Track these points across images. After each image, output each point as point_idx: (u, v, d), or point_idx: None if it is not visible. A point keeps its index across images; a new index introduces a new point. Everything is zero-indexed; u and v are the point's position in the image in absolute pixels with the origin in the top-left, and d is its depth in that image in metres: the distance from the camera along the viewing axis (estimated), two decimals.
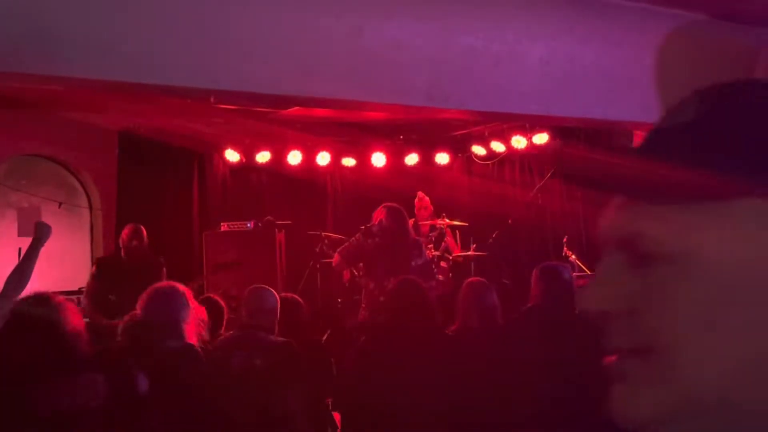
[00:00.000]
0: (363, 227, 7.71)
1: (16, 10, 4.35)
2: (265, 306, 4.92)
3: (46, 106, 8.40)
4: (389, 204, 7.95)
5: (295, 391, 4.56)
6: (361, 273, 7.85)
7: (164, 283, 4.67)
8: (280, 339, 4.78)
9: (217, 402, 4.17)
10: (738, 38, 6.64)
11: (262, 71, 5.09)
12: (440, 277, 8.49)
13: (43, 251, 5.83)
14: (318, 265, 9.35)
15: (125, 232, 7.64)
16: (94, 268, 7.90)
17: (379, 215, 7.62)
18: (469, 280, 5.57)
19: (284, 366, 4.51)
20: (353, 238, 7.67)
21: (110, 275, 7.45)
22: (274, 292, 5.13)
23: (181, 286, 4.49)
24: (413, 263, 7.36)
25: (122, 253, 7.61)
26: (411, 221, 9.08)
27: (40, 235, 5.58)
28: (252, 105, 7.35)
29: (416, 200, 9.18)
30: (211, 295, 6.11)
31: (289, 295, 5.83)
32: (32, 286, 5.48)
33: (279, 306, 5.02)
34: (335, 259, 7.76)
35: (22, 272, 5.24)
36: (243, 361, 4.55)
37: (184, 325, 4.29)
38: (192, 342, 4.30)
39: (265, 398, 4.44)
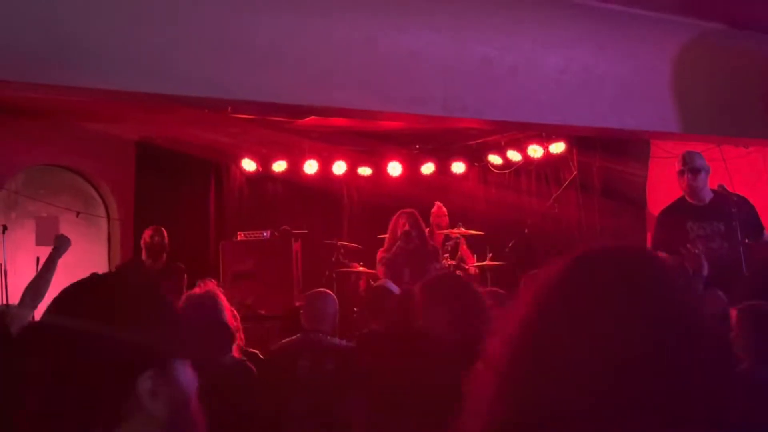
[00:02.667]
0: (403, 233, 7.93)
1: (35, 21, 4.38)
2: (327, 310, 4.98)
3: (64, 116, 8.46)
4: (407, 210, 8.10)
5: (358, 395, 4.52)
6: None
7: (201, 289, 4.58)
8: (345, 343, 4.82)
9: (283, 409, 4.14)
10: (756, 47, 6.61)
11: (278, 81, 5.11)
12: None
13: (61, 261, 5.87)
14: (334, 275, 9.34)
15: (147, 231, 7.72)
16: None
17: (400, 221, 7.84)
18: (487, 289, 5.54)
19: (349, 370, 4.51)
20: (397, 246, 7.88)
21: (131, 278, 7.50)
22: (334, 296, 5.18)
23: (219, 293, 4.46)
24: (431, 268, 7.53)
25: (144, 255, 7.65)
26: (426, 230, 9.10)
27: (58, 245, 5.62)
28: (268, 114, 7.38)
29: (434, 210, 9.19)
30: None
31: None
32: (50, 296, 5.53)
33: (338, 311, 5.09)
34: (380, 271, 7.92)
35: (39, 283, 5.28)
36: (311, 365, 4.57)
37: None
38: (236, 355, 4.29)
39: (330, 402, 4.41)
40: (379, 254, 8.25)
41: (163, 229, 7.68)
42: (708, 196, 6.15)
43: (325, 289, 5.23)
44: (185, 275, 7.57)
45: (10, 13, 4.30)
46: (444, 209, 9.21)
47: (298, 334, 4.98)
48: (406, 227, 7.97)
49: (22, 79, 4.53)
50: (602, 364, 1.23)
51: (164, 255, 7.66)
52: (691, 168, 6.11)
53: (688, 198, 6.23)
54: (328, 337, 4.84)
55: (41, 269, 5.56)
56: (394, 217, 8.25)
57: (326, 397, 4.43)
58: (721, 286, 5.65)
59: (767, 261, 5.86)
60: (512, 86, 5.80)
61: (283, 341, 5.04)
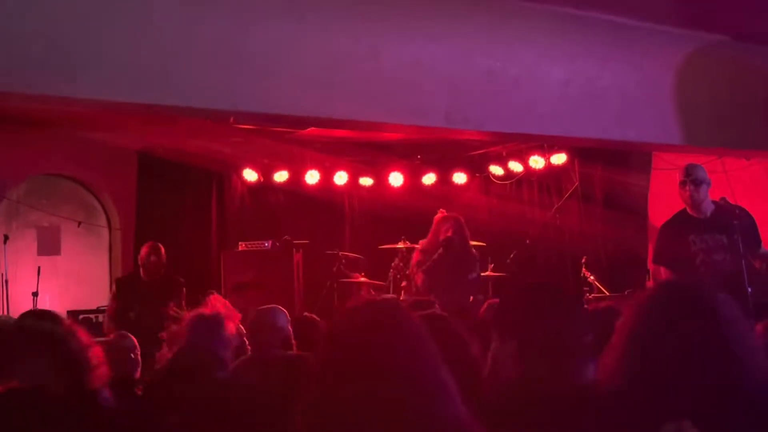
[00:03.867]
0: (445, 239, 7.78)
1: (37, 33, 4.38)
2: (276, 324, 4.92)
3: (66, 126, 8.46)
4: (453, 214, 8.02)
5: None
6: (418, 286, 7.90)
7: (210, 311, 4.59)
8: (294, 353, 4.76)
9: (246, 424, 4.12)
10: (758, 59, 6.62)
11: (281, 93, 5.10)
12: None
13: (64, 269, 5.86)
14: (335, 285, 9.33)
15: (143, 249, 7.69)
16: (113, 288, 7.94)
17: (443, 226, 7.73)
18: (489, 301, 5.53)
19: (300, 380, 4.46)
20: (438, 254, 7.73)
21: (129, 294, 7.49)
22: (283, 309, 5.11)
23: (222, 311, 4.47)
24: (470, 276, 7.50)
25: (141, 272, 7.65)
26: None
27: None
28: (270, 125, 7.38)
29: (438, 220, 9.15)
30: None
31: (307, 314, 5.82)
32: (52, 304, 5.57)
33: (290, 324, 5.01)
34: (419, 278, 7.82)
35: None
36: (261, 380, 4.53)
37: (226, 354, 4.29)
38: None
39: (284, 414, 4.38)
40: (416, 256, 8.19)
41: (161, 245, 7.64)
42: (709, 209, 6.14)
43: (274, 305, 5.15)
44: (184, 288, 7.56)
45: (12, 25, 4.30)
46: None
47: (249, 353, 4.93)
48: (449, 233, 7.80)
49: (25, 91, 4.53)
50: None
51: (162, 271, 7.63)
52: (693, 180, 6.09)
53: (689, 210, 6.21)
54: (277, 350, 4.78)
55: None
56: (438, 220, 8.12)
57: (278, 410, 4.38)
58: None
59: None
60: (515, 98, 5.80)
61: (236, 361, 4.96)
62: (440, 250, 7.72)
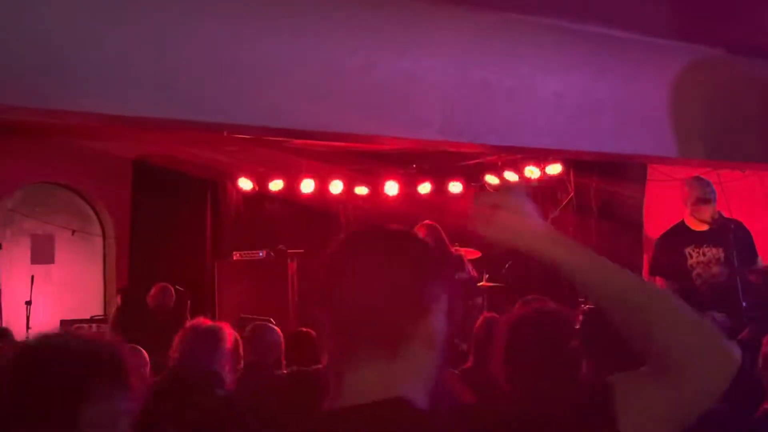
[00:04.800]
0: None
1: (32, 45, 4.37)
2: (267, 340, 4.89)
3: (61, 135, 8.44)
4: (427, 222, 8.02)
5: None
6: None
7: (206, 323, 4.49)
8: (285, 372, 4.73)
9: None
10: (753, 72, 6.62)
11: (275, 105, 5.09)
12: None
13: (58, 278, 5.85)
14: None
15: (154, 291, 7.58)
16: (119, 299, 7.89)
17: (419, 233, 7.71)
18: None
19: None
20: None
21: (136, 308, 7.45)
22: (276, 328, 5.08)
23: (222, 326, 4.39)
24: (456, 277, 7.48)
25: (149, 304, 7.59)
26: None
27: None
28: (264, 137, 7.37)
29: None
30: None
31: (304, 329, 5.80)
32: (45, 313, 5.54)
33: (283, 341, 4.98)
34: None
35: None
36: (261, 398, 4.48)
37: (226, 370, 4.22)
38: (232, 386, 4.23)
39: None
40: None
41: (171, 288, 7.60)
42: (708, 223, 6.15)
43: (266, 323, 5.11)
44: (188, 300, 7.56)
45: (8, 39, 4.29)
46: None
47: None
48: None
49: (21, 104, 4.51)
50: None
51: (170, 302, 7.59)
52: (714, 198, 6.11)
53: (688, 223, 6.21)
54: (269, 368, 4.74)
55: None
56: (415, 229, 8.13)
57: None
58: (718, 312, 5.65)
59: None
60: (510, 111, 5.78)
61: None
62: None
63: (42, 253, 9.53)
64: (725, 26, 6.13)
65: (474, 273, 8.80)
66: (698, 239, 6.11)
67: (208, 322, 4.46)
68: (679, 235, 6.25)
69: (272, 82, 5.05)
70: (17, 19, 4.33)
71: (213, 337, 4.25)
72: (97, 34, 4.55)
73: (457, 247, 8.86)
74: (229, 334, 4.39)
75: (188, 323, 4.48)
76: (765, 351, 3.95)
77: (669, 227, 6.45)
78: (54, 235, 9.64)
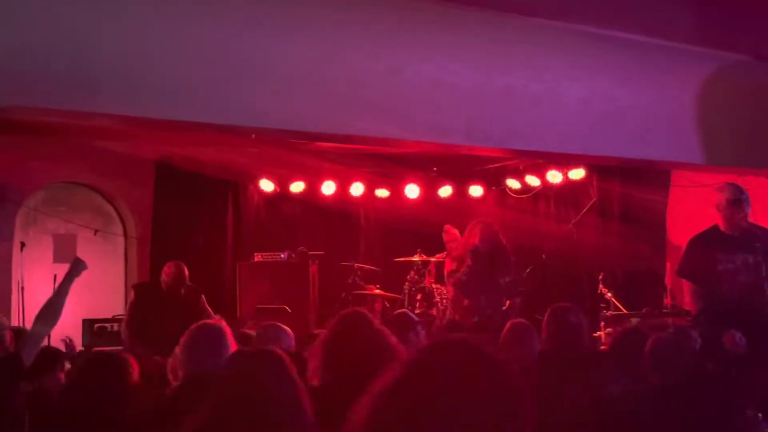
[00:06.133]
0: (471, 250, 7.57)
1: (58, 49, 4.41)
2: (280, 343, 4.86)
3: (84, 135, 8.48)
4: (482, 219, 7.91)
5: None
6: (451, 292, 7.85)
7: (211, 322, 4.46)
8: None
9: None
10: None
11: (302, 110, 5.11)
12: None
13: (78, 279, 5.88)
14: (350, 297, 9.33)
15: (167, 269, 7.48)
16: (132, 294, 7.86)
17: (472, 231, 7.64)
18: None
19: None
20: (467, 266, 7.55)
21: (149, 302, 7.41)
22: (289, 331, 5.04)
23: (224, 324, 4.36)
24: (502, 281, 7.45)
25: (162, 284, 7.51)
26: (444, 254, 9.04)
27: (74, 269, 5.60)
28: (291, 140, 7.39)
29: (444, 234, 9.09)
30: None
31: (314, 332, 5.80)
32: (67, 313, 5.56)
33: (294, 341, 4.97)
34: (450, 291, 7.83)
35: (54, 305, 5.26)
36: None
37: None
38: None
39: None
40: (447, 264, 8.19)
41: (183, 264, 7.54)
42: (742, 228, 6.08)
43: (279, 324, 5.08)
44: (203, 296, 7.53)
45: (37, 43, 4.32)
46: (453, 232, 8.98)
47: None
48: (475, 240, 7.56)
49: (49, 106, 4.55)
50: None
51: (183, 288, 7.50)
52: (747, 200, 6.03)
53: (722, 227, 6.14)
54: None
55: (55, 292, 5.55)
56: (469, 226, 7.91)
57: None
58: (744, 321, 5.60)
59: None
60: (535, 116, 5.78)
61: None
62: (467, 261, 7.53)
63: (64, 253, 9.56)
64: (751, 33, 6.10)
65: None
66: (729, 245, 6.04)
67: (214, 322, 4.43)
68: (711, 239, 6.17)
69: (298, 86, 5.07)
70: (44, 22, 4.37)
71: (218, 336, 4.19)
72: (123, 37, 4.58)
73: None
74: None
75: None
76: None
77: (701, 231, 6.37)
78: (76, 235, 9.69)
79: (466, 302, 7.40)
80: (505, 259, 7.73)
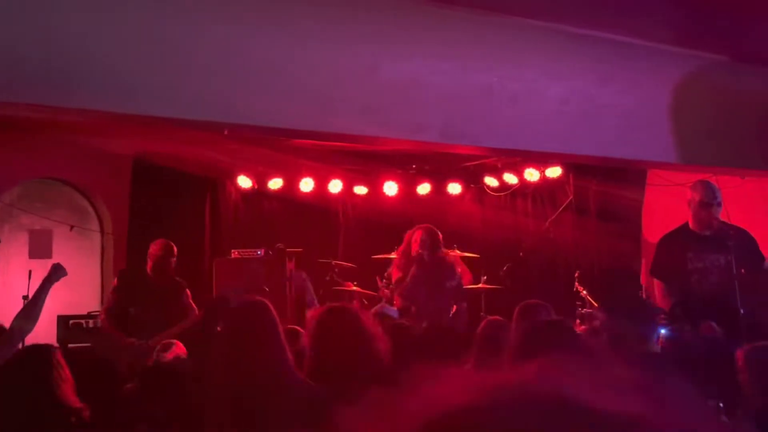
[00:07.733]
0: (414, 257, 7.71)
1: (34, 44, 4.37)
2: None
3: (61, 131, 8.42)
4: (423, 225, 7.95)
5: None
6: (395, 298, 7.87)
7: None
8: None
9: None
10: (755, 80, 6.64)
11: (278, 106, 5.10)
12: None
13: None
14: (328, 294, 9.31)
15: (156, 246, 7.45)
16: (115, 280, 7.77)
17: (413, 238, 7.68)
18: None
19: None
20: (412, 275, 7.65)
21: (133, 289, 7.34)
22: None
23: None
24: (448, 284, 7.47)
25: (148, 268, 7.43)
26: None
27: (52, 275, 5.60)
28: (266, 136, 7.37)
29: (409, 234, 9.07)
30: None
31: (290, 327, 5.78)
32: (43, 309, 5.58)
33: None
34: (397, 302, 7.83)
35: (31, 311, 5.26)
36: None
37: None
38: None
39: None
40: (394, 273, 8.16)
41: (173, 244, 7.50)
42: (713, 227, 6.12)
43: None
44: (187, 290, 7.51)
45: (10, 38, 4.28)
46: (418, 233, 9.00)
47: None
48: (417, 248, 7.70)
49: (23, 101, 4.51)
50: None
51: (171, 270, 7.46)
52: (718, 203, 6.07)
53: (692, 226, 6.18)
54: None
55: (33, 296, 5.55)
56: (408, 234, 8.05)
57: None
58: (714, 319, 5.66)
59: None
60: (513, 115, 5.80)
61: None
62: (412, 270, 7.68)
63: (40, 249, 9.49)
64: (728, 33, 6.15)
65: (468, 275, 8.72)
66: (699, 244, 6.10)
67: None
68: (681, 238, 6.22)
69: (277, 83, 5.06)
70: (21, 16, 4.33)
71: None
72: (101, 32, 4.55)
73: (455, 250, 8.83)
74: None
75: None
76: (740, 363, 4.00)
77: (672, 229, 6.40)
78: (52, 231, 9.61)
79: (413, 309, 7.42)
80: (448, 263, 7.83)
